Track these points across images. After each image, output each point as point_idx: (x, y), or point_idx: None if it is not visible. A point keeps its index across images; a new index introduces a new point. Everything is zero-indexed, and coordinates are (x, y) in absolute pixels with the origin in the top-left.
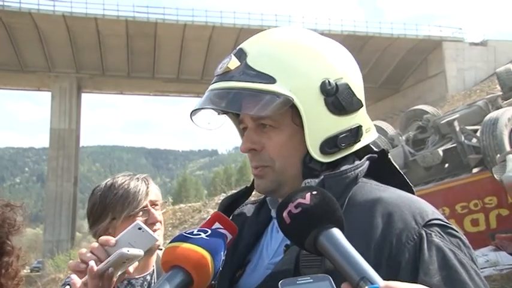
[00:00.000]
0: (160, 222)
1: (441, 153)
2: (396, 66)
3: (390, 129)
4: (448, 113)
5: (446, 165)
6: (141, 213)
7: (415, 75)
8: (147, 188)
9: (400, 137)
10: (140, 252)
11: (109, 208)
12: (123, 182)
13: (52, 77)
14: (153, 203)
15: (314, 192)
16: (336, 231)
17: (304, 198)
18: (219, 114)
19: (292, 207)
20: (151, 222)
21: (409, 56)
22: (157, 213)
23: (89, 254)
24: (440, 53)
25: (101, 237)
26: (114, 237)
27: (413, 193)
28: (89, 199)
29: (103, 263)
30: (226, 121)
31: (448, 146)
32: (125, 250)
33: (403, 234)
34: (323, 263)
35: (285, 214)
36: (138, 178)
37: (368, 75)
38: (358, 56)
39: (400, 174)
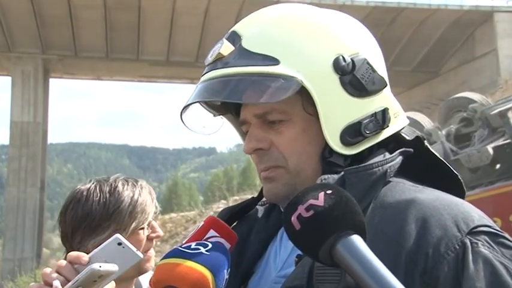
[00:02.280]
0: None
1: (491, 151)
2: (435, 44)
3: (427, 122)
4: (500, 101)
5: (498, 165)
6: (146, 226)
7: (459, 55)
8: (152, 198)
9: (440, 132)
10: (114, 267)
11: (112, 218)
12: (126, 189)
13: (12, 59)
14: (154, 216)
15: (328, 192)
16: (357, 239)
17: (317, 199)
18: (215, 116)
19: (302, 210)
20: (154, 237)
21: (451, 32)
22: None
23: (55, 275)
24: (491, 27)
25: (71, 253)
26: None
27: (462, 187)
28: (69, 206)
29: (70, 283)
30: (224, 123)
31: (500, 142)
32: (95, 266)
33: (442, 243)
34: (342, 277)
35: (293, 218)
36: (141, 185)
37: (400, 56)
38: (388, 32)
39: (444, 165)
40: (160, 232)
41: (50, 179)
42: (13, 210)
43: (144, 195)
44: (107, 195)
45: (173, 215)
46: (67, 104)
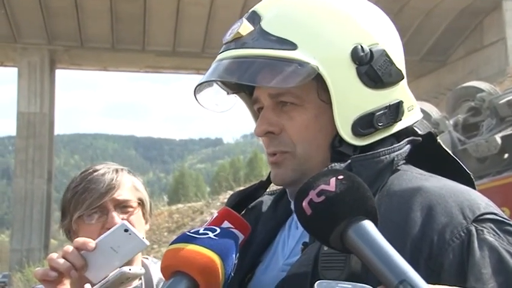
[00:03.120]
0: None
1: (499, 140)
2: (443, 33)
3: (435, 112)
4: (509, 90)
5: (506, 155)
6: (96, 216)
7: (467, 44)
8: (111, 182)
9: (447, 121)
10: (141, 270)
11: (66, 205)
12: (86, 174)
13: (18, 50)
14: (122, 204)
15: (340, 177)
16: (368, 224)
17: (329, 184)
18: (228, 94)
19: (313, 195)
20: (108, 227)
21: (460, 20)
22: (120, 218)
23: (62, 260)
24: (499, 16)
25: (77, 239)
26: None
27: (473, 184)
28: None
29: (99, 284)
30: (236, 102)
31: (508, 131)
32: (125, 268)
33: (447, 230)
34: (347, 263)
35: (304, 204)
36: (109, 171)
37: (407, 45)
38: (395, 21)
39: (455, 161)
40: (117, 222)
41: (57, 170)
42: (21, 202)
43: (97, 181)
44: (71, 181)
45: (180, 205)
46: (72, 94)
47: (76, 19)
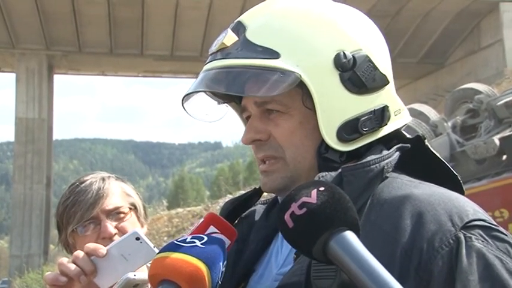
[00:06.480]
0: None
1: (497, 142)
2: (441, 35)
3: (433, 114)
4: (507, 92)
5: (504, 156)
6: (90, 227)
7: (465, 46)
8: (99, 192)
9: (446, 123)
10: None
11: (59, 221)
12: (73, 186)
13: (16, 55)
14: (113, 211)
15: (321, 189)
16: (350, 235)
17: (310, 197)
18: (219, 103)
19: (295, 208)
20: (103, 237)
21: (457, 22)
22: (113, 226)
23: (72, 266)
24: (496, 18)
25: (88, 245)
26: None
27: (461, 187)
28: None
29: None
30: (228, 111)
31: (506, 133)
32: (131, 275)
33: (436, 238)
34: (338, 273)
35: (286, 216)
36: (96, 180)
37: (405, 48)
38: (393, 23)
39: (444, 165)
40: (112, 231)
41: (56, 176)
42: (20, 207)
43: (85, 192)
44: (61, 196)
45: (179, 210)
46: (70, 99)
47: (74, 24)
